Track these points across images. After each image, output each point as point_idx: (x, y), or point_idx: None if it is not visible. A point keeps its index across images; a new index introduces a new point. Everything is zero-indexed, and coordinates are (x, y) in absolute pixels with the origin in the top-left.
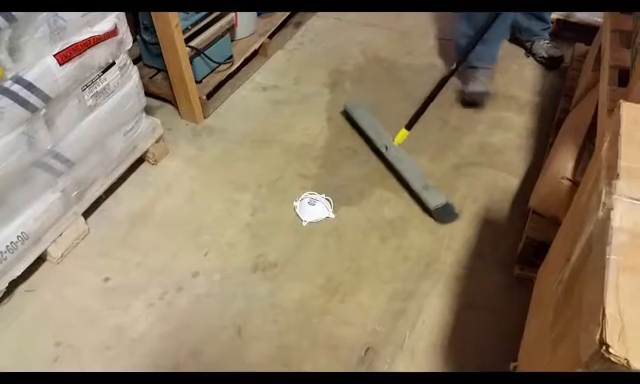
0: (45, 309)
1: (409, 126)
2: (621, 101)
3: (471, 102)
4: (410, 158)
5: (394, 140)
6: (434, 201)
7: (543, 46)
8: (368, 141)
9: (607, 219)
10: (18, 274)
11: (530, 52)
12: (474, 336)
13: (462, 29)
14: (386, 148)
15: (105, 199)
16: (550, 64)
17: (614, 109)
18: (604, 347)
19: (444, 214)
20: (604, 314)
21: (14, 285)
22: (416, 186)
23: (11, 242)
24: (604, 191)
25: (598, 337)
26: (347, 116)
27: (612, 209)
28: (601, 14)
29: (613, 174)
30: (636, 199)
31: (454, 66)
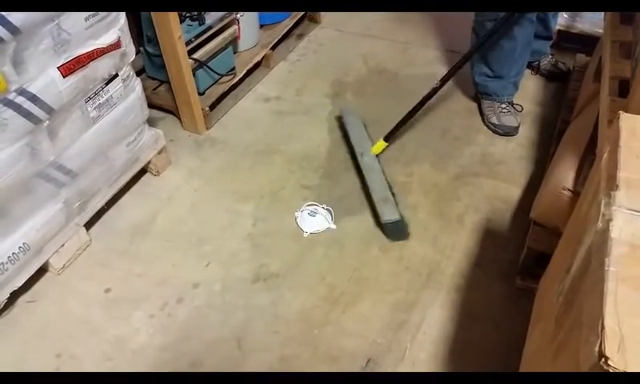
0: (46, 320)
1: (387, 138)
2: (620, 112)
3: (504, 134)
4: (382, 169)
5: (371, 149)
6: (388, 215)
7: (551, 62)
8: (350, 147)
9: (606, 230)
10: (20, 284)
11: (537, 70)
12: (476, 347)
13: (476, 66)
14: (362, 155)
15: (107, 210)
16: (560, 77)
17: (613, 119)
18: (603, 359)
19: (393, 230)
20: (603, 326)
21: (15, 295)
22: (376, 195)
23: (13, 253)
24: (603, 202)
25: (597, 349)
26: (340, 121)
27: (611, 220)
28: (602, 24)
29: (612, 184)
30: (635, 210)
31: (437, 84)
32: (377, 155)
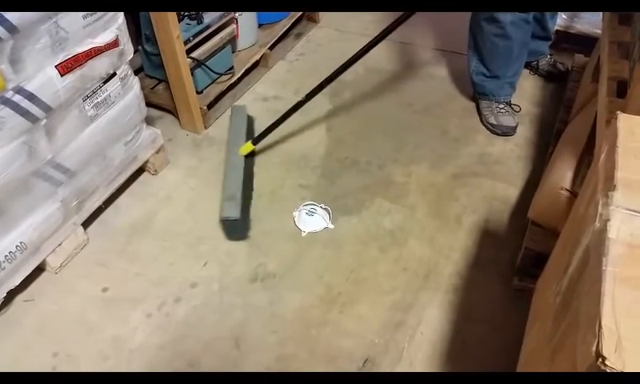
0: (43, 319)
1: (255, 141)
2: (618, 112)
3: (502, 134)
4: (245, 171)
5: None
6: (227, 212)
7: (549, 62)
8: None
9: (604, 230)
10: (17, 283)
11: (535, 71)
12: (473, 347)
13: (473, 66)
14: (230, 154)
15: (104, 209)
16: (559, 77)
17: (611, 120)
18: (600, 359)
19: (230, 227)
20: (600, 326)
21: (12, 294)
22: (225, 192)
23: (10, 252)
24: (601, 202)
25: (594, 349)
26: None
27: (609, 220)
28: (600, 25)
29: (610, 185)
30: (633, 210)
31: (305, 97)
32: (247, 156)
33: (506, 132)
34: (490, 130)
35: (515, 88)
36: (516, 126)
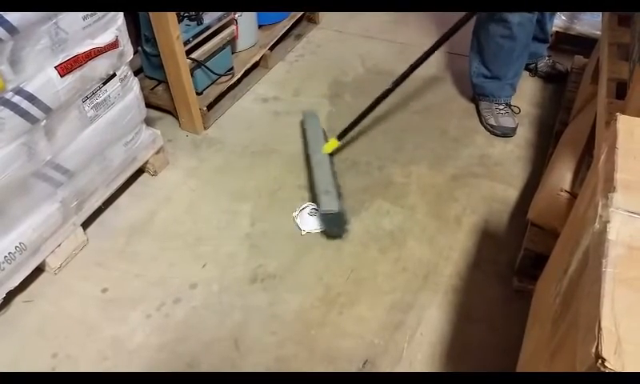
0: (42, 319)
1: (340, 137)
2: (618, 113)
3: (502, 135)
4: (332, 168)
5: (323, 147)
6: (326, 206)
7: (548, 63)
8: (306, 146)
9: (604, 232)
10: (16, 284)
11: (535, 72)
12: (473, 348)
13: (474, 67)
14: (314, 153)
15: (104, 210)
16: (558, 78)
17: (611, 121)
18: (600, 361)
19: (329, 222)
20: (600, 328)
21: (11, 295)
22: (319, 187)
23: (9, 253)
24: (601, 204)
25: (593, 350)
26: (302, 126)
27: (608, 221)
28: (599, 26)
29: (609, 186)
30: (632, 212)
31: (390, 86)
32: (330, 154)
33: (506, 133)
34: (490, 131)
35: (515, 89)
36: (516, 127)
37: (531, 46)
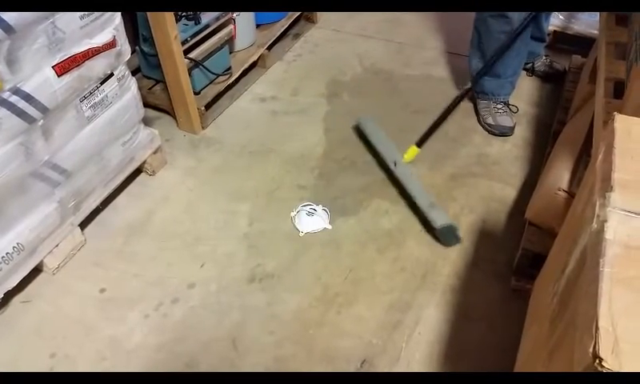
0: (40, 320)
1: (420, 144)
2: (615, 113)
3: (500, 134)
4: (416, 175)
5: (403, 157)
6: (440, 220)
7: (545, 63)
8: (377, 156)
9: (601, 231)
10: (14, 284)
11: (532, 72)
12: (471, 348)
13: (474, 64)
14: (395, 164)
15: (102, 210)
16: (556, 78)
17: (609, 121)
18: (597, 360)
19: (448, 235)
20: (597, 327)
21: (9, 296)
22: (422, 203)
23: (7, 253)
24: (598, 203)
25: (591, 350)
26: (359, 131)
27: (606, 221)
28: (597, 26)
29: (607, 186)
30: (630, 211)
31: (469, 85)
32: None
33: (504, 132)
34: (488, 131)
35: (515, 87)
36: (514, 127)
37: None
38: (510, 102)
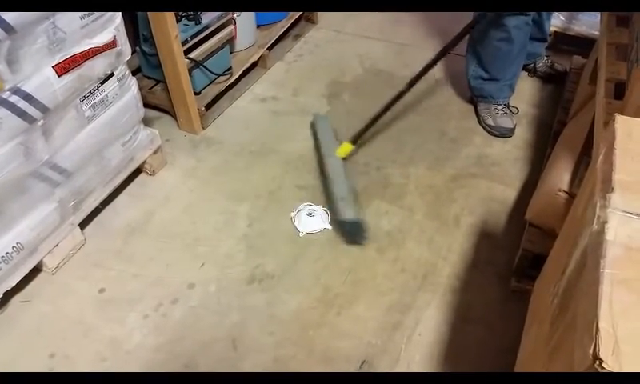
0: (40, 320)
1: (354, 141)
2: (616, 114)
3: (500, 135)
4: (345, 172)
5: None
6: (344, 214)
7: (546, 63)
8: (317, 149)
9: (602, 232)
10: (13, 284)
11: (533, 73)
12: (471, 349)
13: (472, 70)
14: (327, 157)
15: (102, 210)
16: (556, 78)
17: (609, 122)
18: (597, 362)
19: (348, 230)
20: (597, 329)
21: (8, 295)
22: (335, 194)
23: (6, 253)
24: (599, 204)
25: (591, 351)
26: (313, 128)
27: (606, 222)
28: (598, 27)
29: (607, 187)
30: (630, 213)
31: (407, 86)
32: (343, 158)
33: (504, 134)
34: (488, 132)
35: (514, 90)
36: (514, 128)
37: (529, 46)
38: (510, 103)
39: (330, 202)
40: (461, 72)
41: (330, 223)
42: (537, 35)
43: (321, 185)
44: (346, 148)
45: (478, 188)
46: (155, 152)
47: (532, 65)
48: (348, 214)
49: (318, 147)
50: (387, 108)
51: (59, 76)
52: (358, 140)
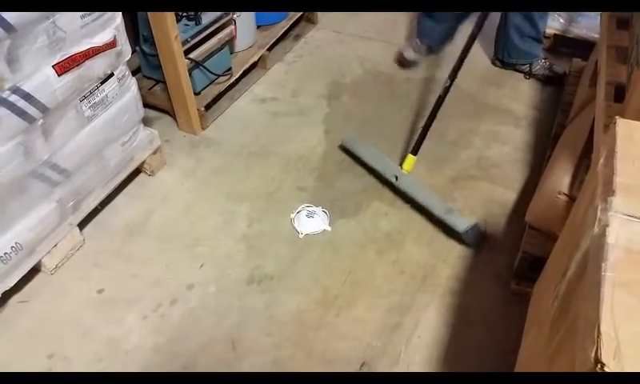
0: (38, 320)
1: (414, 151)
2: (616, 117)
3: (404, 65)
4: (420, 183)
5: (401, 167)
6: (462, 224)
7: (544, 65)
8: (373, 172)
9: (603, 235)
10: (12, 284)
11: (530, 74)
12: (470, 351)
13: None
14: (396, 178)
15: (101, 210)
16: (555, 81)
17: (609, 124)
18: (599, 365)
19: (474, 236)
20: (599, 332)
21: (7, 295)
22: (437, 211)
23: (5, 253)
24: (600, 207)
25: (593, 354)
26: (345, 150)
27: (607, 225)
28: (598, 29)
29: (608, 190)
30: (631, 216)
31: (448, 83)
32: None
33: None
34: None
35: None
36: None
37: (523, 44)
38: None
39: (431, 219)
40: (461, 72)
41: (330, 224)
42: (531, 34)
43: (321, 186)
44: (411, 160)
45: (477, 190)
46: (155, 152)
47: (527, 66)
48: (462, 222)
49: (373, 170)
50: (435, 113)
51: (59, 75)
52: (418, 150)
